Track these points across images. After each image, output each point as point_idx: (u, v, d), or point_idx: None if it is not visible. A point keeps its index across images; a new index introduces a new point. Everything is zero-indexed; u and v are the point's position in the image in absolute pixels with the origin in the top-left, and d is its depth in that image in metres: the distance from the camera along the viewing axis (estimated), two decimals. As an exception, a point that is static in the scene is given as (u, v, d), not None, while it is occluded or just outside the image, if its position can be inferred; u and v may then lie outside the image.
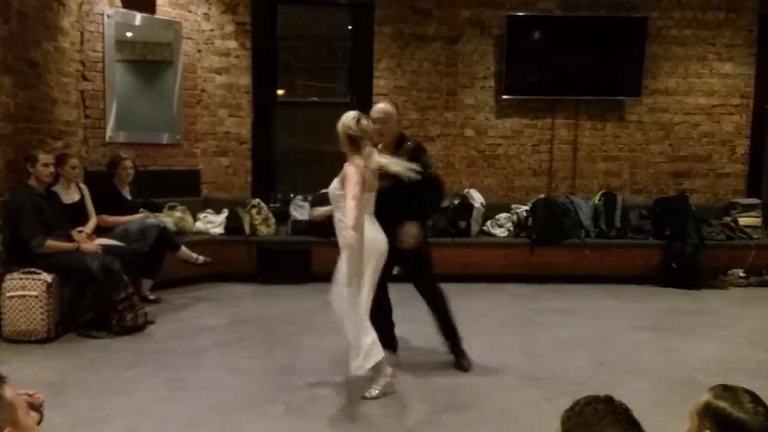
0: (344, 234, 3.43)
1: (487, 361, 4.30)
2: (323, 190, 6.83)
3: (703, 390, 1.66)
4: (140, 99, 6.95)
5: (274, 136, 7.54)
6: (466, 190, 7.17)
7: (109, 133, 6.43)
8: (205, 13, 7.14)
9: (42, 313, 4.52)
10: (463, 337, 4.27)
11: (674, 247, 6.78)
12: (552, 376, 4.12)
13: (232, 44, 7.24)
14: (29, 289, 4.53)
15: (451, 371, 4.17)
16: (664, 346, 4.82)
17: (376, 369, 3.72)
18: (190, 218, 6.63)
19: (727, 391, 1.61)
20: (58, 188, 5.15)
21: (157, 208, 6.21)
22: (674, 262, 6.73)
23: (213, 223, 6.78)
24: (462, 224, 6.82)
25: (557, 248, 6.82)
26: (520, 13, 7.33)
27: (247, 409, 3.53)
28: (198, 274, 6.25)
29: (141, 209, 5.91)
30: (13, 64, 4.93)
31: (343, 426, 3.39)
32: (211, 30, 7.18)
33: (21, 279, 4.54)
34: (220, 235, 6.66)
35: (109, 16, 6.34)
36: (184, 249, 5.81)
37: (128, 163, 5.83)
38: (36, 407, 1.98)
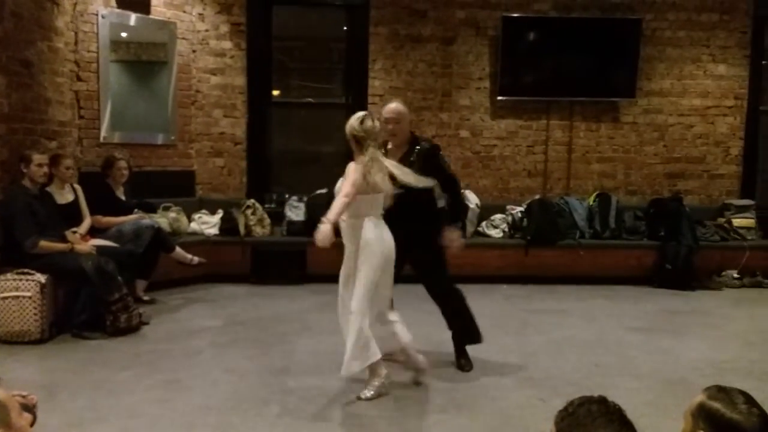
0: (319, 226, 3.46)
1: (482, 362, 4.30)
2: (319, 191, 6.93)
3: (697, 391, 1.66)
4: (135, 99, 6.93)
5: (269, 136, 7.53)
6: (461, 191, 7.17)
7: (103, 133, 6.42)
8: (199, 14, 7.13)
9: (36, 314, 4.50)
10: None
11: (668, 248, 6.81)
12: (547, 377, 4.13)
13: (227, 45, 7.23)
14: (23, 290, 4.51)
15: (447, 372, 4.17)
16: (658, 346, 4.83)
17: (372, 370, 3.72)
18: (184, 219, 6.62)
19: (721, 391, 1.61)
20: (52, 189, 5.13)
21: (151, 209, 6.19)
22: (668, 263, 6.76)
23: (208, 223, 6.77)
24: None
25: (552, 249, 6.84)
26: (515, 15, 7.34)
27: (241, 410, 3.53)
28: (193, 275, 6.24)
29: (135, 210, 5.89)
30: (7, 64, 4.92)
31: (337, 427, 3.39)
32: (206, 30, 7.17)
33: (15, 280, 4.53)
34: (215, 235, 6.65)
35: (103, 17, 6.32)
36: (178, 250, 5.80)
37: (123, 164, 5.82)
38: (29, 408, 1.98)
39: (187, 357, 4.38)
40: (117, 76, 6.68)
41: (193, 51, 7.13)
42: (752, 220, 7.29)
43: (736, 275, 6.87)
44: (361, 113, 3.78)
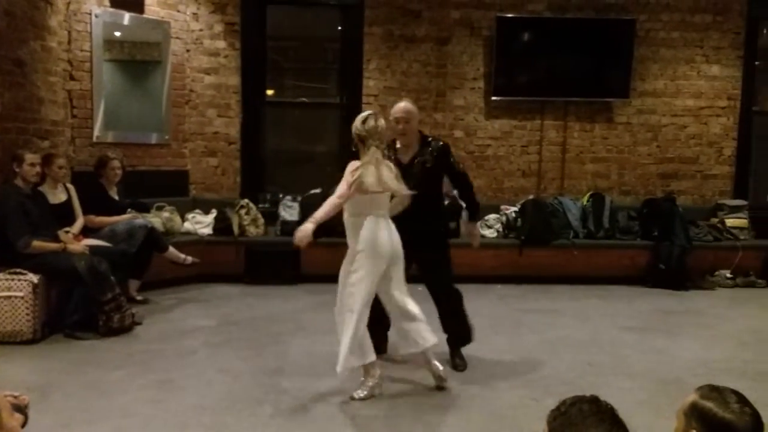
0: (304, 223, 3.45)
1: (475, 362, 4.31)
2: (313, 191, 6.92)
3: (689, 390, 1.67)
4: (128, 99, 6.90)
5: (263, 136, 7.51)
6: (455, 191, 7.17)
7: (96, 132, 6.40)
8: (194, 13, 7.11)
9: (28, 314, 4.48)
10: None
11: (662, 248, 6.83)
12: (540, 377, 4.14)
13: (221, 44, 7.21)
14: (15, 290, 4.48)
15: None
16: (652, 346, 4.84)
17: (365, 370, 3.72)
18: (178, 219, 6.60)
19: (713, 391, 1.61)
20: (44, 188, 5.11)
21: (144, 209, 6.18)
22: (662, 263, 6.78)
23: (201, 223, 6.75)
24: (451, 225, 6.82)
25: (546, 249, 6.85)
26: (510, 15, 7.35)
27: (235, 410, 3.52)
28: (186, 275, 6.23)
29: (129, 210, 5.88)
30: (-1, 63, 4.90)
31: (331, 427, 3.38)
32: (200, 30, 7.15)
33: (7, 279, 4.50)
34: (209, 235, 6.63)
35: (97, 16, 6.30)
36: (172, 249, 5.79)
37: (116, 163, 5.79)
38: (21, 409, 1.97)
39: (181, 357, 4.37)
40: (110, 76, 6.65)
41: (187, 50, 7.11)
42: (745, 221, 7.32)
43: (729, 275, 6.89)
44: (366, 113, 3.79)
